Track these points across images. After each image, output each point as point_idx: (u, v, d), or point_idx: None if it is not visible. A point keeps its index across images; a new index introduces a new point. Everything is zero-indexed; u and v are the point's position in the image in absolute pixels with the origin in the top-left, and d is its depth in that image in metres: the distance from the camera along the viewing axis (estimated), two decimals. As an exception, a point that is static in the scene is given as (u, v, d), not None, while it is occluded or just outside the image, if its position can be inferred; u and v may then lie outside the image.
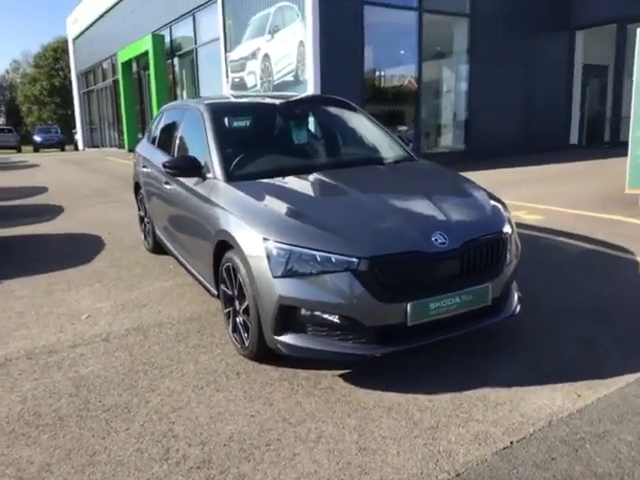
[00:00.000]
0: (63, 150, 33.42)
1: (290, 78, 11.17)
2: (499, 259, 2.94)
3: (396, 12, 11.74)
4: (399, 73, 12.79)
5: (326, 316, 2.68)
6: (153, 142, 5.19)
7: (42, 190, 10.75)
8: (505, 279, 3.00)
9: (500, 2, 12.72)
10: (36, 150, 33.98)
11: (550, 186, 8.89)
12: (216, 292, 3.45)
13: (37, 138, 34.72)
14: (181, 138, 4.33)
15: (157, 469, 2.23)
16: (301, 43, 10.61)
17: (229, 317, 3.26)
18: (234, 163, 3.54)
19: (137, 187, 5.66)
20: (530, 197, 7.75)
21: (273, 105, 4.24)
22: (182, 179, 3.83)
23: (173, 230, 4.31)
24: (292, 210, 2.94)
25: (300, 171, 3.53)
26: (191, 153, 4.03)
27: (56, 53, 54.02)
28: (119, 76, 23.01)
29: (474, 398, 2.68)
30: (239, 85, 13.33)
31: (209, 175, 3.54)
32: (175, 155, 4.32)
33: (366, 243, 2.68)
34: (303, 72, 10.68)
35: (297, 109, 4.30)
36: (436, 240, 2.74)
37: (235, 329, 3.18)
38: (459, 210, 3.10)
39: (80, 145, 32.32)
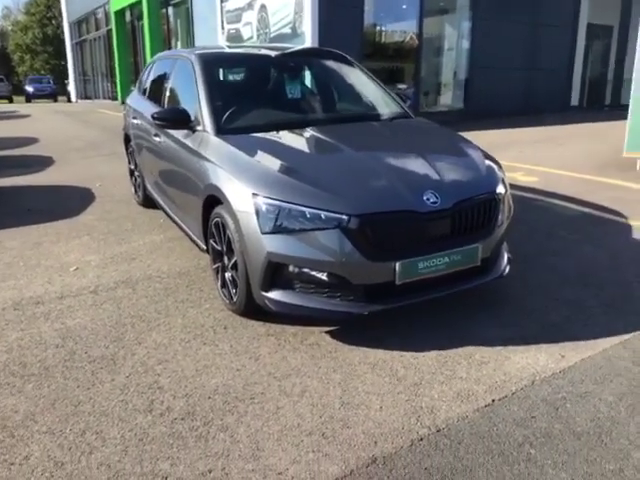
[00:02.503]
0: (56, 101, 32.80)
1: (287, 30, 10.86)
2: (490, 220, 2.91)
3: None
4: (400, 29, 12.46)
5: (314, 273, 2.66)
6: (144, 93, 5.06)
7: (32, 141, 10.56)
8: (495, 240, 2.97)
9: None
10: (28, 100, 33.34)
11: (547, 148, 8.80)
12: (205, 247, 3.42)
13: (29, 88, 34.00)
14: (171, 89, 4.22)
15: (141, 420, 2.24)
16: (299, -7, 10.27)
17: (218, 272, 3.24)
18: (225, 116, 3.45)
19: (127, 139, 5.55)
20: (526, 158, 7.68)
21: (268, 57, 4.10)
22: (171, 131, 3.75)
23: (162, 184, 4.25)
24: (283, 166, 2.88)
25: (293, 126, 3.45)
26: (181, 104, 3.94)
27: (48, 1, 52.27)
28: (112, 26, 22.37)
29: (459, 356, 2.70)
30: (235, 37, 12.97)
31: (199, 128, 3.45)
32: (165, 106, 4.22)
33: (356, 201, 2.63)
34: (301, 24, 10.38)
35: (292, 61, 4.17)
36: (428, 199, 2.70)
37: (224, 284, 3.17)
38: (453, 169, 3.05)
39: (73, 97, 31.66)
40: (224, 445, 2.10)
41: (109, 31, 23.79)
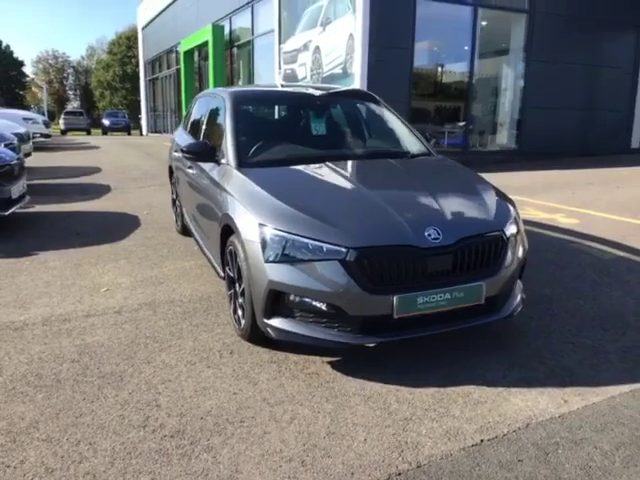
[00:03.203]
0: (129, 134, 34.66)
1: (338, 71, 11.18)
2: (496, 258, 2.89)
3: (450, 6, 11.52)
4: (451, 69, 12.55)
5: (314, 303, 2.72)
6: (185, 128, 5.36)
7: (95, 170, 11.25)
8: (504, 279, 2.94)
9: (562, -1, 12.24)
10: (104, 133, 35.34)
11: (597, 191, 8.54)
12: (223, 274, 3.55)
13: (105, 122, 36.15)
14: (207, 124, 4.47)
15: (133, 435, 2.34)
16: (350, 36, 10.60)
17: (231, 299, 3.36)
18: (247, 150, 3.63)
19: (171, 171, 5.87)
20: (572, 200, 7.48)
21: (295, 95, 4.29)
22: (202, 164, 3.96)
23: (194, 213, 4.46)
24: (292, 198, 2.99)
25: (313, 160, 3.57)
26: (213, 139, 4.16)
27: (129, 41, 56.11)
28: (181, 65, 23.68)
29: (456, 394, 2.66)
30: (290, 76, 13.46)
31: (223, 160, 3.64)
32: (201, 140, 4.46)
33: (356, 234, 2.70)
34: (351, 65, 10.67)
35: (318, 100, 4.33)
36: (429, 235, 2.73)
37: (235, 310, 3.28)
38: (460, 207, 3.07)
39: (144, 130, 33.51)
40: (205, 465, 2.16)
41: (178, 70, 25.18)
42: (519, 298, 3.17)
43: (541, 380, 2.79)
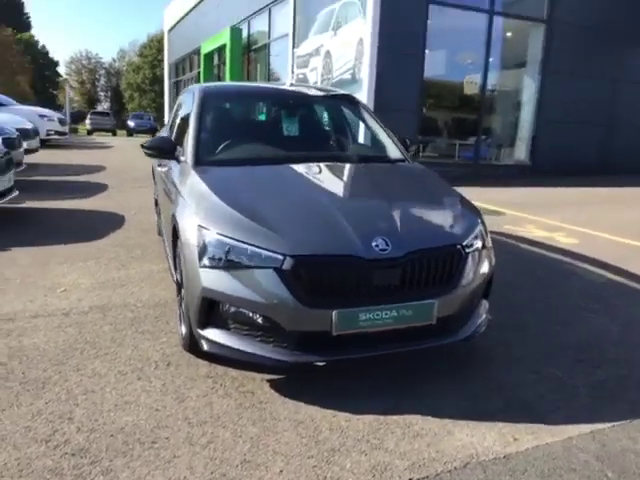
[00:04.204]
0: (154, 136, 34.84)
1: (347, 76, 11.00)
2: (452, 275, 2.65)
3: (465, 13, 11.26)
4: (464, 80, 12.27)
5: (249, 314, 2.52)
6: (168, 125, 5.22)
7: (99, 169, 11.23)
8: (461, 298, 2.69)
9: (582, 10, 11.84)
10: (130, 134, 35.61)
11: (605, 210, 8.19)
12: (175, 278, 3.37)
13: (131, 123, 36.53)
14: (178, 121, 4.31)
15: (33, 450, 2.16)
16: (360, 41, 10.41)
17: (179, 305, 3.17)
18: (207, 148, 3.45)
19: (153, 170, 5.72)
20: (576, 219, 7.15)
21: (268, 94, 4.10)
22: (168, 161, 3.79)
23: (160, 212, 4.30)
24: (238, 200, 2.79)
25: (276, 162, 3.38)
26: (181, 136, 3.99)
27: (160, 44, 56.72)
28: (201, 68, 23.75)
29: (396, 424, 2.43)
30: (302, 81, 13.31)
31: (182, 158, 3.47)
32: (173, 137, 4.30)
33: (295, 241, 2.49)
34: (359, 71, 10.48)
35: (292, 100, 4.14)
36: (376, 246, 2.51)
37: (180, 318, 3.09)
38: (418, 217, 2.85)
39: (166, 131, 33.68)
40: (97, 489, 1.96)
41: (199, 72, 25.28)
42: (482, 319, 2.92)
43: (494, 413, 2.54)
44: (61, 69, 63.54)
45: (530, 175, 12.16)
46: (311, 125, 4.11)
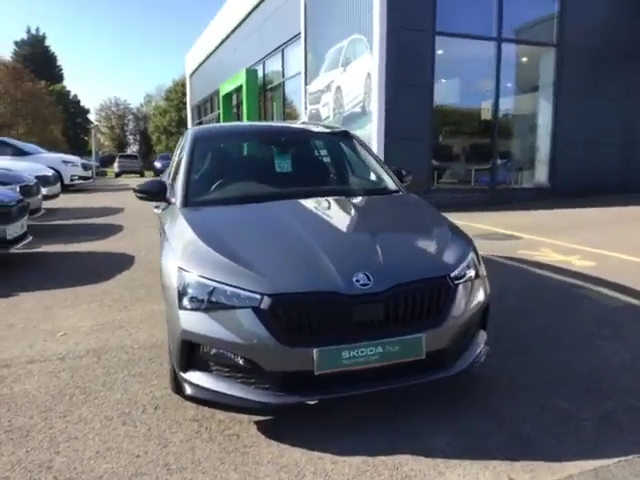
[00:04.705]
0: (176, 176, 35.59)
1: (358, 109, 11.08)
2: (441, 307, 2.55)
3: (472, 42, 11.29)
4: (474, 106, 12.24)
5: (230, 356, 2.46)
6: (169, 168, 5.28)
7: (118, 211, 11.42)
8: (452, 330, 2.58)
9: (591, 32, 11.75)
10: (156, 174, 36.45)
11: (627, 230, 7.93)
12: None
13: (157, 164, 37.43)
14: (175, 163, 4.34)
15: (5, 502, 2.11)
16: (368, 75, 10.50)
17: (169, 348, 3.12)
18: (196, 188, 3.45)
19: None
20: (593, 241, 6.92)
21: (259, 132, 4.11)
22: (161, 204, 3.81)
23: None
24: (219, 240, 2.76)
25: (262, 199, 3.36)
26: (175, 177, 4.01)
27: (184, 88, 58.55)
28: (220, 109, 24.32)
29: (385, 466, 2.31)
30: (315, 116, 13.47)
31: (173, 200, 3.47)
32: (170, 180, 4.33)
33: (274, 279, 2.43)
34: (369, 103, 10.55)
35: (284, 137, 4.15)
36: (357, 281, 2.43)
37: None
38: (403, 250, 2.77)
39: (190, 172, 34.37)
40: None
41: (219, 113, 25.88)
42: (479, 351, 2.80)
43: (491, 451, 2.40)
44: (92, 116, 65.84)
45: (549, 197, 11.92)
46: (302, 162, 4.08)
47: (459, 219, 9.26)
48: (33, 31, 54.64)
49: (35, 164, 11.82)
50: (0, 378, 3.21)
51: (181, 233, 2.92)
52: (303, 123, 4.97)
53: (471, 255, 2.84)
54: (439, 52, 10.68)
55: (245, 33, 20.59)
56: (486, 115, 11.92)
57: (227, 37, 23.61)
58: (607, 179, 12.60)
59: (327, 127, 4.53)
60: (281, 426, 2.62)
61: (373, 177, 3.92)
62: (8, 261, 6.27)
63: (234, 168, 3.89)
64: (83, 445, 2.50)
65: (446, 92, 11.74)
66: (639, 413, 2.70)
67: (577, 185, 12.11)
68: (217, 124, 5.18)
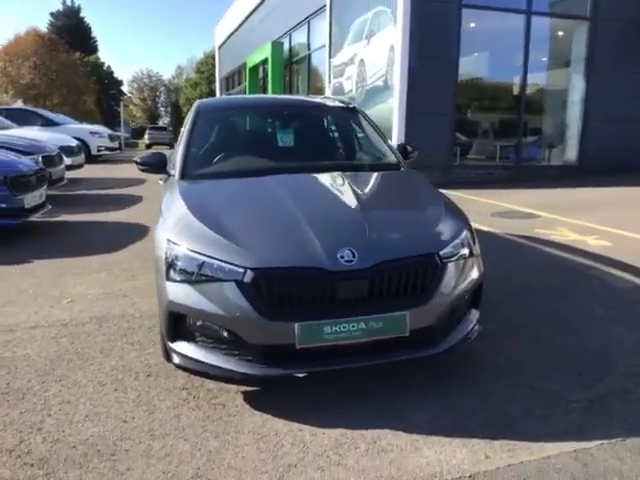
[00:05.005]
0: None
1: (380, 83, 10.89)
2: (427, 285, 2.52)
3: (501, 15, 10.93)
4: (501, 81, 11.91)
5: (215, 327, 2.49)
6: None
7: (141, 182, 11.52)
8: (440, 308, 2.56)
9: (626, 4, 11.24)
10: None
11: (651, 211, 7.69)
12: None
13: (185, 136, 37.66)
14: (180, 135, 4.35)
15: (-6, 459, 2.20)
16: (391, 48, 10.28)
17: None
18: (194, 161, 3.46)
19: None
20: (612, 220, 6.73)
21: (262, 105, 4.08)
22: (163, 176, 3.83)
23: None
24: (208, 214, 2.77)
25: (259, 173, 3.34)
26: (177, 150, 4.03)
27: (214, 60, 58.46)
28: (246, 81, 24.22)
29: (362, 439, 2.32)
30: (338, 90, 13.30)
31: (172, 172, 3.50)
32: (177, 152, 4.35)
33: (258, 253, 2.44)
34: (391, 77, 10.35)
35: (286, 111, 4.10)
36: (342, 257, 2.42)
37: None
38: (392, 227, 2.73)
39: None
40: (43, 501, 1.97)
41: (245, 86, 25.79)
42: (469, 330, 2.77)
43: (472, 429, 2.39)
44: (125, 87, 66.40)
45: (576, 176, 11.59)
46: (303, 136, 4.02)
47: (478, 196, 9.17)
48: (69, 2, 54.97)
49: (59, 134, 12.01)
50: (4, 342, 3.32)
51: (174, 205, 2.95)
52: (309, 96, 4.90)
53: (464, 234, 2.79)
54: (465, 25, 10.37)
55: (272, 5, 20.34)
56: (513, 90, 11.60)
57: (255, 9, 23.37)
58: (637, 157, 12.18)
59: (334, 101, 4.44)
60: (267, 397, 2.66)
61: (374, 153, 3.87)
62: (27, 229, 6.42)
63: (234, 141, 3.88)
64: (74, 409, 2.58)
65: (472, 66, 11.44)
66: (631, 397, 2.65)
67: (606, 163, 11.73)
68: (221, 97, 5.14)
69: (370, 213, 2.77)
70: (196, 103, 4.00)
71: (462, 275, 2.68)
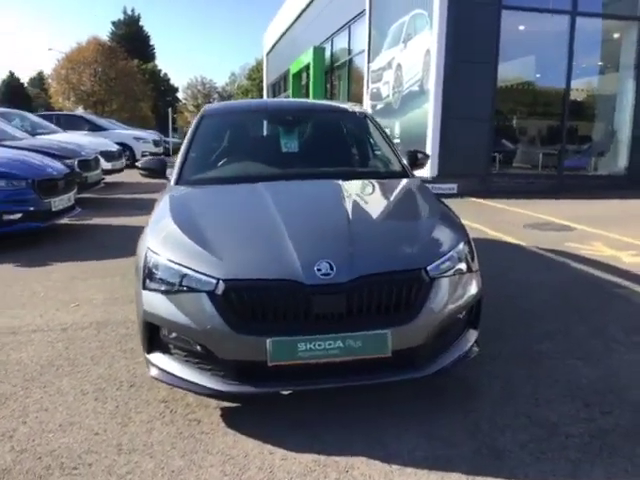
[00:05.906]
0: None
1: (416, 88, 10.67)
2: (411, 302, 2.36)
3: (542, 17, 10.52)
4: (544, 86, 11.46)
5: (188, 340, 2.41)
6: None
7: (163, 186, 11.71)
8: (427, 327, 2.40)
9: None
10: None
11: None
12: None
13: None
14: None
15: (-42, 467, 2.18)
16: (427, 52, 10.06)
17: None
18: (192, 167, 3.42)
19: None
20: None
21: (267, 110, 4.00)
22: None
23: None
24: (187, 222, 2.71)
25: (256, 180, 3.26)
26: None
27: (266, 67, 59.31)
28: (290, 88, 24.37)
29: (335, 467, 2.18)
30: (376, 95, 13.15)
31: (171, 177, 3.46)
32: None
33: (230, 264, 2.35)
34: (427, 81, 10.12)
35: (290, 116, 4.01)
36: (319, 270, 2.30)
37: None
38: (378, 239, 2.58)
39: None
40: (-7, 515, 1.93)
41: (289, 92, 25.96)
42: (464, 352, 2.59)
43: (453, 461, 2.21)
44: (180, 94, 68.10)
45: (624, 187, 11.02)
46: (306, 142, 3.92)
47: (514, 206, 8.83)
48: (129, 12, 56.90)
49: (100, 139, 12.34)
50: (2, 345, 3.35)
51: (159, 212, 2.91)
52: (316, 101, 4.80)
53: (460, 247, 2.62)
54: (505, 27, 10.02)
55: (315, 11, 20.38)
56: (556, 96, 11.13)
57: (299, 16, 23.49)
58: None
59: (343, 106, 4.32)
60: (246, 413, 2.57)
61: (379, 160, 3.73)
62: (56, 232, 6.57)
63: (234, 146, 3.82)
64: (50, 417, 2.55)
65: (512, 70, 11.05)
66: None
67: (658, 174, 11.11)
68: (229, 102, 5.14)
69: (358, 224, 2.64)
70: (203, 108, 3.97)
71: (456, 292, 2.51)
